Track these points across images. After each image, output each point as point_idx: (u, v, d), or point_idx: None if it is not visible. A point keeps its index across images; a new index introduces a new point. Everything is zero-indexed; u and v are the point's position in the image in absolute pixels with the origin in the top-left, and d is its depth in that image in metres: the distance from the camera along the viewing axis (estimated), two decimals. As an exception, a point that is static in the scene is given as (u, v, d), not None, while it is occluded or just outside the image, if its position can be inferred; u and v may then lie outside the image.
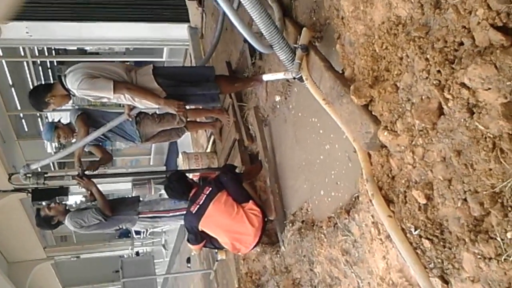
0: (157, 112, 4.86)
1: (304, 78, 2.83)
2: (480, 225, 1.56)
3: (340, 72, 2.56)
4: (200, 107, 5.24)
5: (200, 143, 7.45)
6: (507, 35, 1.39)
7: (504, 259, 1.43)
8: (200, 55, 6.93)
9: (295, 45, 2.88)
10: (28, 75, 9.21)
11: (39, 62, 9.66)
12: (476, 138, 1.50)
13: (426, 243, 1.81)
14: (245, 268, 4.90)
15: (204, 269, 8.05)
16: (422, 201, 1.83)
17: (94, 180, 4.80)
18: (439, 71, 1.64)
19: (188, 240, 4.49)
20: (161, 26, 7.17)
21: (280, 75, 3.49)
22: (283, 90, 3.79)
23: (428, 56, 1.69)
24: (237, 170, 4.45)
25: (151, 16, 6.97)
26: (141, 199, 5.47)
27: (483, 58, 1.42)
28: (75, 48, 9.62)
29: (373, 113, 2.14)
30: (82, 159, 4.72)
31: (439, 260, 1.77)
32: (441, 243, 1.76)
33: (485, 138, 1.47)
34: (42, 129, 5.49)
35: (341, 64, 2.55)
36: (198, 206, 4.09)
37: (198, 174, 5.42)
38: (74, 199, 9.75)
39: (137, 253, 15.14)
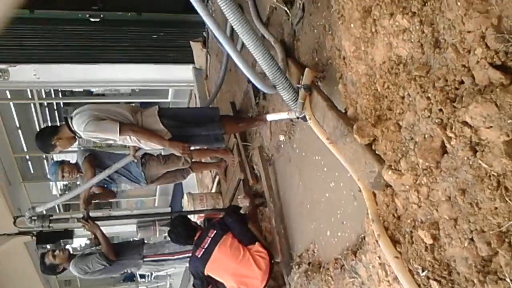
0: (163, 153, 4.88)
1: (307, 117, 2.85)
2: (489, 266, 1.52)
3: (343, 111, 2.57)
4: (205, 148, 5.26)
5: (205, 184, 7.42)
6: (506, 73, 1.39)
7: (514, 301, 1.39)
8: (204, 95, 7.00)
9: (298, 85, 2.91)
10: (35, 117, 9.28)
11: (45, 104, 9.76)
12: (480, 177, 1.49)
13: (434, 285, 1.76)
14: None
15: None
16: (429, 241, 1.79)
17: (99, 222, 4.78)
18: (440, 110, 1.65)
19: (193, 286, 4.38)
20: (166, 67, 7.26)
21: (283, 115, 3.52)
22: (287, 129, 3.81)
23: (429, 95, 1.70)
24: (241, 211, 4.40)
25: (156, 58, 7.08)
26: (146, 241, 5.42)
27: (484, 96, 1.43)
28: (81, 89, 9.74)
29: (376, 152, 2.13)
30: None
31: (449, 303, 1.72)
32: (450, 284, 1.71)
33: (489, 176, 1.45)
34: (47, 170, 5.51)
35: (344, 103, 2.57)
36: (203, 250, 4.00)
37: (202, 215, 5.39)
38: (79, 241, 9.67)
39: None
